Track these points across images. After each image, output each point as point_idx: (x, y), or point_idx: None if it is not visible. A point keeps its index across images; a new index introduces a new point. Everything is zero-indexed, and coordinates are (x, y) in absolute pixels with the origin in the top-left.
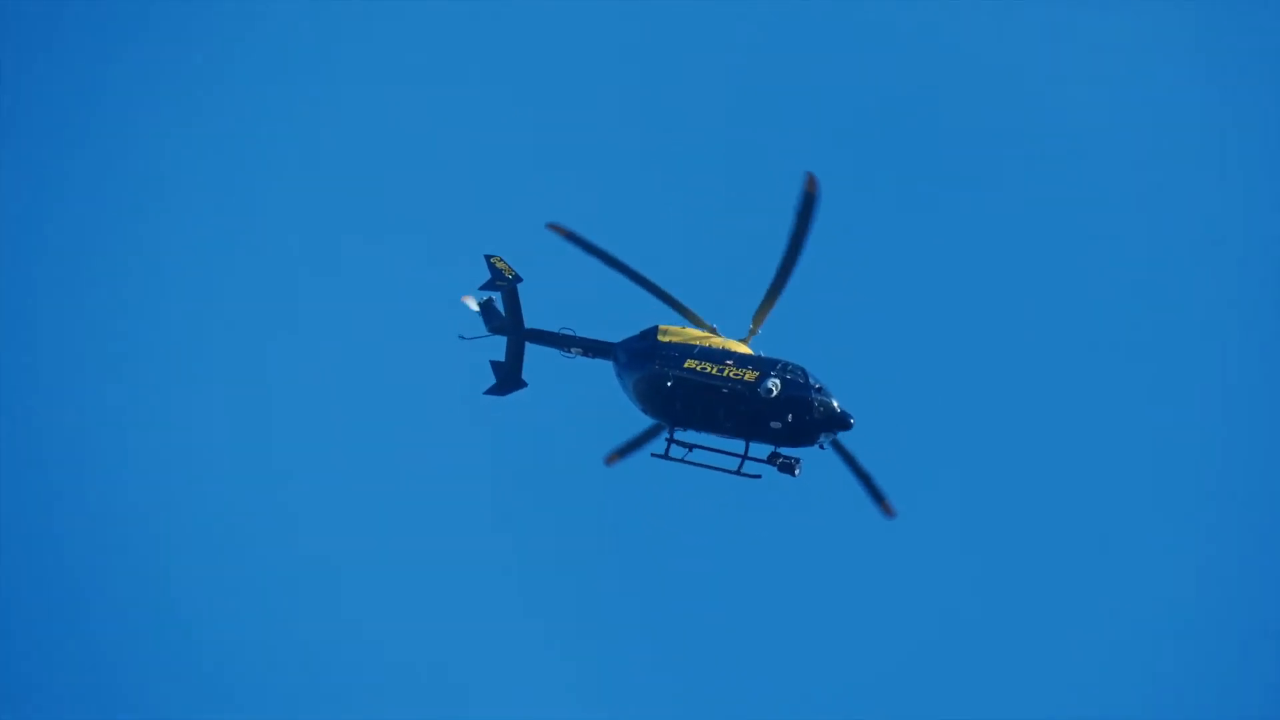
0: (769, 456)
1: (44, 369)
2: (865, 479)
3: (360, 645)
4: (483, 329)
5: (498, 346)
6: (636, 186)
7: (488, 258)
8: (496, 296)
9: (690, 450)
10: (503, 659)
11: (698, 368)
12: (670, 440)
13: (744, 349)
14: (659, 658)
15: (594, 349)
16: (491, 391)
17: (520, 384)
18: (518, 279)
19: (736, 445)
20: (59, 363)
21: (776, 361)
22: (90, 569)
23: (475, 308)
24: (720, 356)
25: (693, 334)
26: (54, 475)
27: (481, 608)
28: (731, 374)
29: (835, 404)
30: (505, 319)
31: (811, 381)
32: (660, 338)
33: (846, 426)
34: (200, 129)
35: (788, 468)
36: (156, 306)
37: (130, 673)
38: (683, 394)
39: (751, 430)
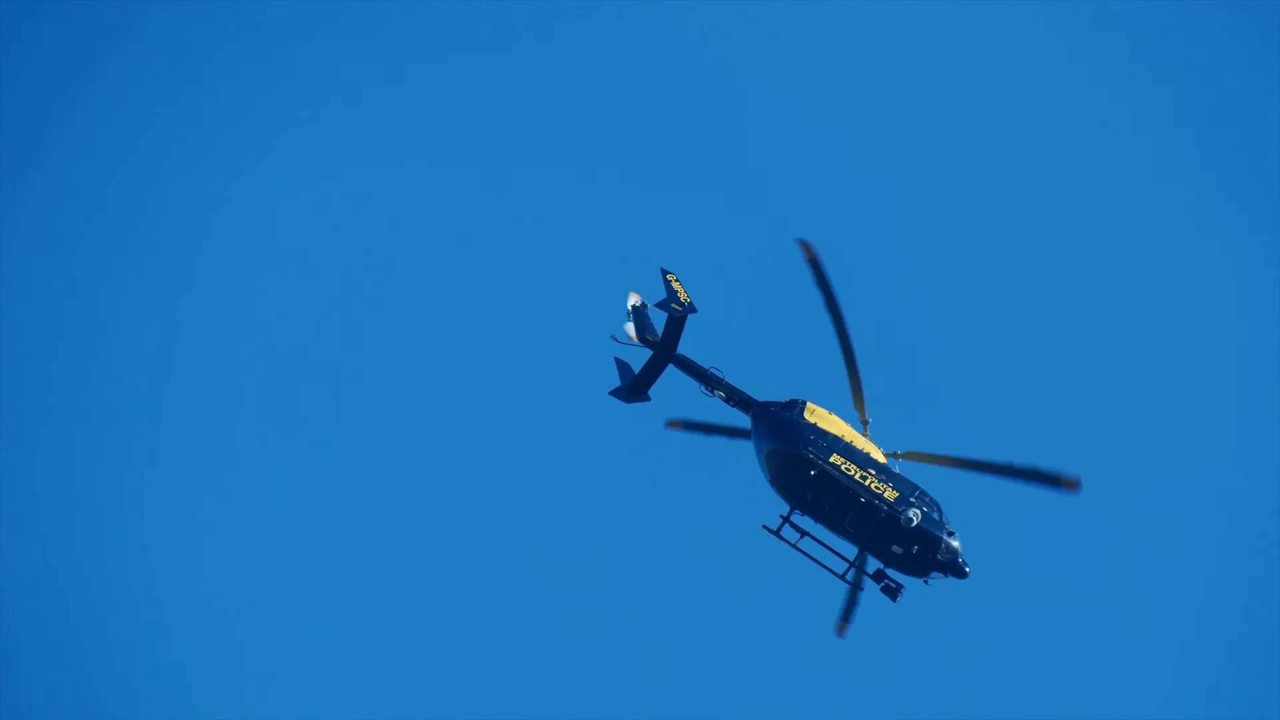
0: (875, 573)
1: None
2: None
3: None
4: (629, 331)
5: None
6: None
7: (664, 272)
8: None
9: (802, 537)
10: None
11: (843, 466)
12: (785, 519)
13: (879, 454)
14: None
15: (736, 399)
16: (616, 394)
17: (645, 398)
18: (692, 309)
19: (843, 545)
20: (59, 361)
21: (916, 487)
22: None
23: (630, 305)
24: (865, 462)
25: (834, 421)
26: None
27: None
28: (874, 485)
29: (959, 551)
30: (660, 337)
31: (945, 521)
32: (807, 416)
33: (961, 576)
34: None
35: (891, 592)
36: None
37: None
38: (820, 486)
39: (870, 543)
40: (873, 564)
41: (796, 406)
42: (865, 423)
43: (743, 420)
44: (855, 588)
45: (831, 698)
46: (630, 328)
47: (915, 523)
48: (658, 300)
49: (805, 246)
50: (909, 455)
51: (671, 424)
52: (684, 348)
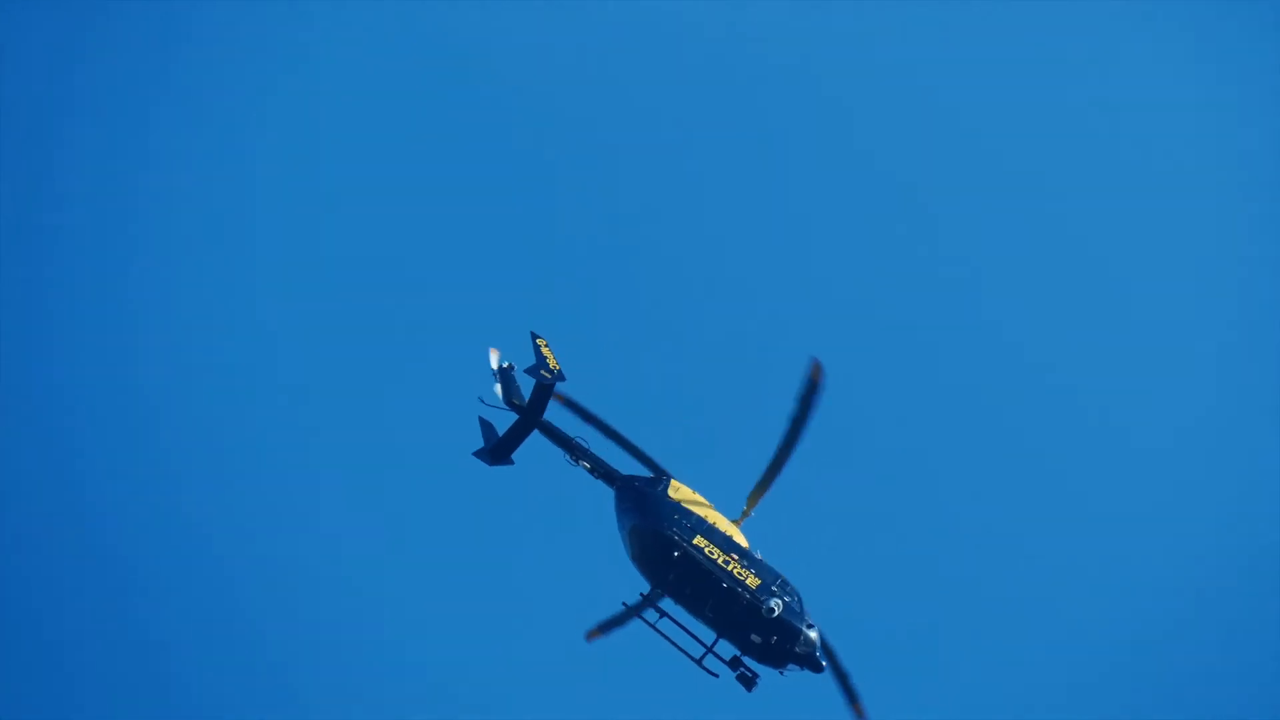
0: (731, 660)
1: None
2: (843, 679)
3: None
4: (497, 392)
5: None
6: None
7: (534, 336)
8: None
9: (661, 618)
10: None
11: (706, 550)
12: (645, 598)
13: (741, 538)
14: None
15: (600, 471)
16: (480, 455)
17: (509, 462)
18: (561, 377)
19: (702, 630)
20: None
21: (777, 576)
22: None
23: (496, 365)
24: (726, 545)
25: (698, 501)
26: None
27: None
28: (736, 571)
29: (817, 645)
30: (525, 402)
31: (805, 613)
32: (671, 494)
33: (818, 670)
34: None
35: (747, 681)
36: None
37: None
38: (682, 568)
39: (729, 630)
40: (728, 650)
41: (661, 482)
42: (745, 514)
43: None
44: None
45: None
46: (497, 389)
47: (777, 613)
48: (526, 366)
49: (816, 368)
50: (748, 505)
51: (591, 635)
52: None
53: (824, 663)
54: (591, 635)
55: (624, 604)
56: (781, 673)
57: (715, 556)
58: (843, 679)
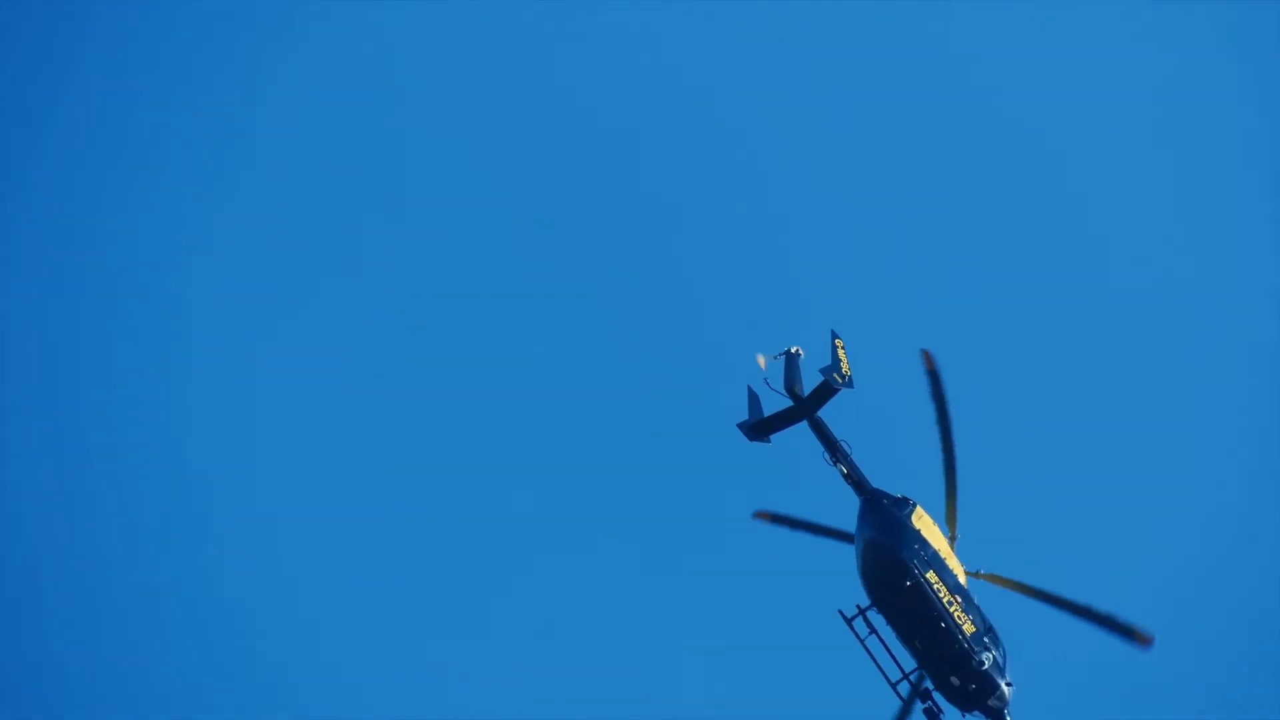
0: (922, 693)
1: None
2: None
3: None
4: (779, 378)
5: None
6: None
7: (834, 335)
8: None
9: (870, 634)
10: None
11: (935, 585)
12: (862, 612)
13: (963, 576)
14: None
15: (855, 478)
16: (742, 426)
17: (766, 440)
18: (850, 385)
19: (903, 654)
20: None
21: (990, 625)
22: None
23: (793, 350)
24: (954, 587)
25: (937, 536)
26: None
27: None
28: (958, 614)
29: (1008, 702)
30: (806, 395)
31: (1006, 668)
32: (914, 521)
33: None
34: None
35: (932, 715)
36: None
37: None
38: (909, 597)
39: (931, 665)
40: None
41: (908, 507)
42: (954, 538)
43: (830, 520)
44: (908, 702)
45: None
46: (782, 365)
47: (985, 666)
48: (822, 365)
49: (927, 357)
50: (989, 577)
51: (759, 515)
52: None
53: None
54: (761, 515)
55: (840, 611)
56: (964, 715)
57: (942, 595)
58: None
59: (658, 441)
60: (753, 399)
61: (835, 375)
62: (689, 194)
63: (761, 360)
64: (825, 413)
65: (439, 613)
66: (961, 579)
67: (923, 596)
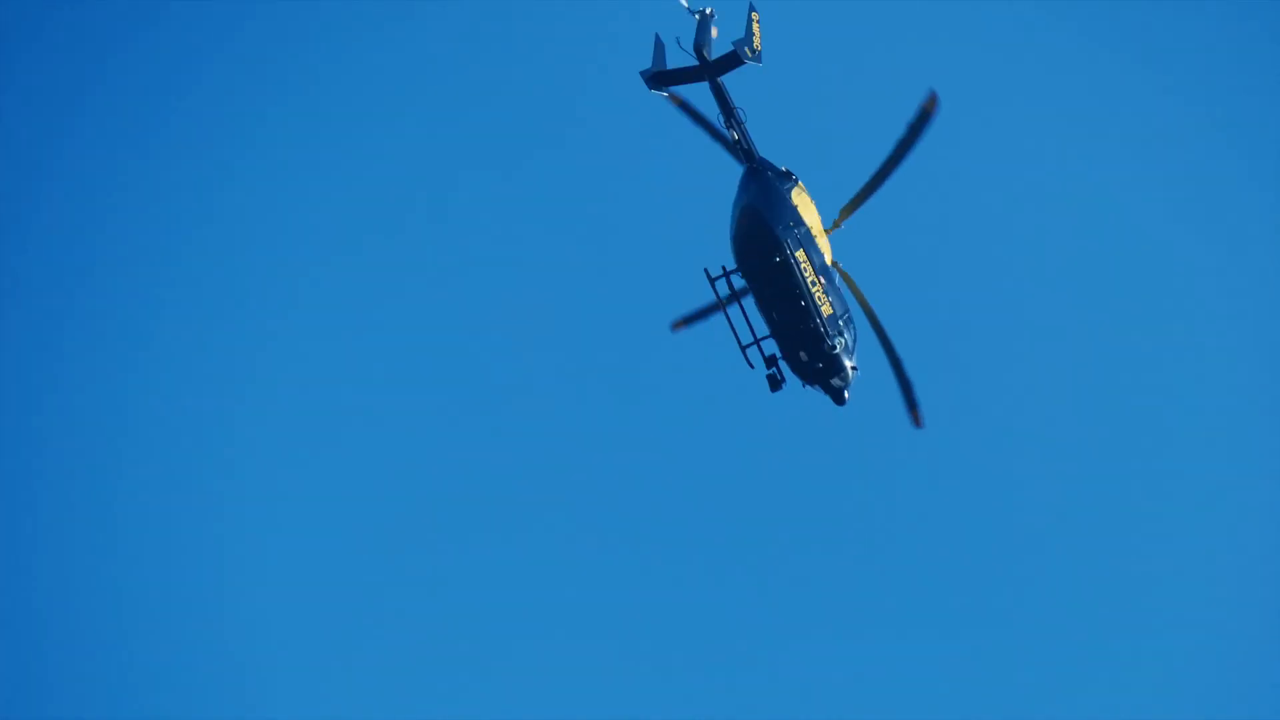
0: (769, 359)
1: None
2: (905, 384)
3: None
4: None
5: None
6: None
7: (751, 8)
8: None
9: (731, 299)
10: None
11: (802, 263)
12: (726, 274)
13: (829, 253)
14: None
15: (744, 146)
16: (645, 74)
17: (664, 91)
18: (758, 60)
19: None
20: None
21: (846, 309)
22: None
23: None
24: (819, 267)
25: (813, 214)
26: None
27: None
28: (819, 295)
29: (850, 384)
30: (714, 61)
31: (854, 354)
32: (794, 196)
33: (838, 403)
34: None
35: (774, 383)
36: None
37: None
38: (775, 272)
39: (782, 335)
40: (770, 347)
41: (790, 181)
42: (837, 224)
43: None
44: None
45: None
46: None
47: (837, 350)
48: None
49: (931, 99)
50: (841, 215)
51: (677, 325)
52: None
53: (847, 400)
54: (677, 326)
55: (705, 270)
56: (804, 385)
57: (807, 274)
58: (906, 387)
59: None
60: (658, 47)
61: (747, 49)
62: None
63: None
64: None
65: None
66: (828, 260)
67: (788, 272)
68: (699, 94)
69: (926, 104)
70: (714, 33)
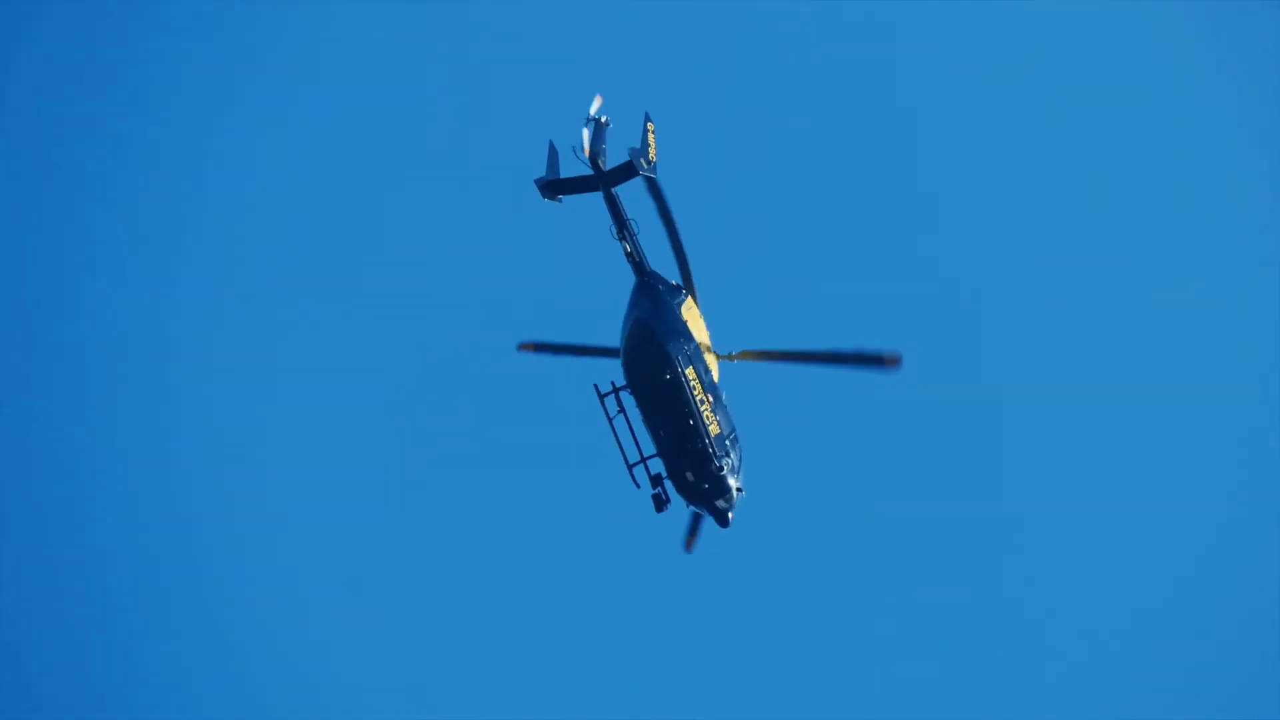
0: (655, 478)
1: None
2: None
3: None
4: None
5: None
6: None
7: (647, 119)
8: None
9: (619, 413)
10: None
11: (691, 381)
12: (615, 390)
13: (717, 374)
14: None
15: (636, 258)
16: (539, 182)
17: (557, 200)
18: (653, 173)
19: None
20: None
21: (733, 429)
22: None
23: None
24: (708, 385)
25: (701, 328)
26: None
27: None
28: (707, 414)
29: (735, 506)
30: (609, 170)
31: (740, 477)
32: (684, 311)
33: (721, 525)
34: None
35: (659, 503)
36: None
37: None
38: (665, 389)
39: (669, 453)
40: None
41: (680, 295)
42: (732, 358)
43: (592, 338)
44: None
45: None
46: (586, 135)
47: (723, 471)
48: (631, 146)
49: (895, 358)
50: (742, 355)
51: (523, 347)
52: None
53: (730, 521)
54: (525, 347)
55: (594, 385)
56: (687, 506)
57: (696, 392)
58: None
59: None
60: (552, 155)
61: (643, 160)
62: None
63: (598, 101)
64: (620, 190)
65: None
66: (716, 376)
67: (677, 390)
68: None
69: (889, 358)
70: (606, 138)
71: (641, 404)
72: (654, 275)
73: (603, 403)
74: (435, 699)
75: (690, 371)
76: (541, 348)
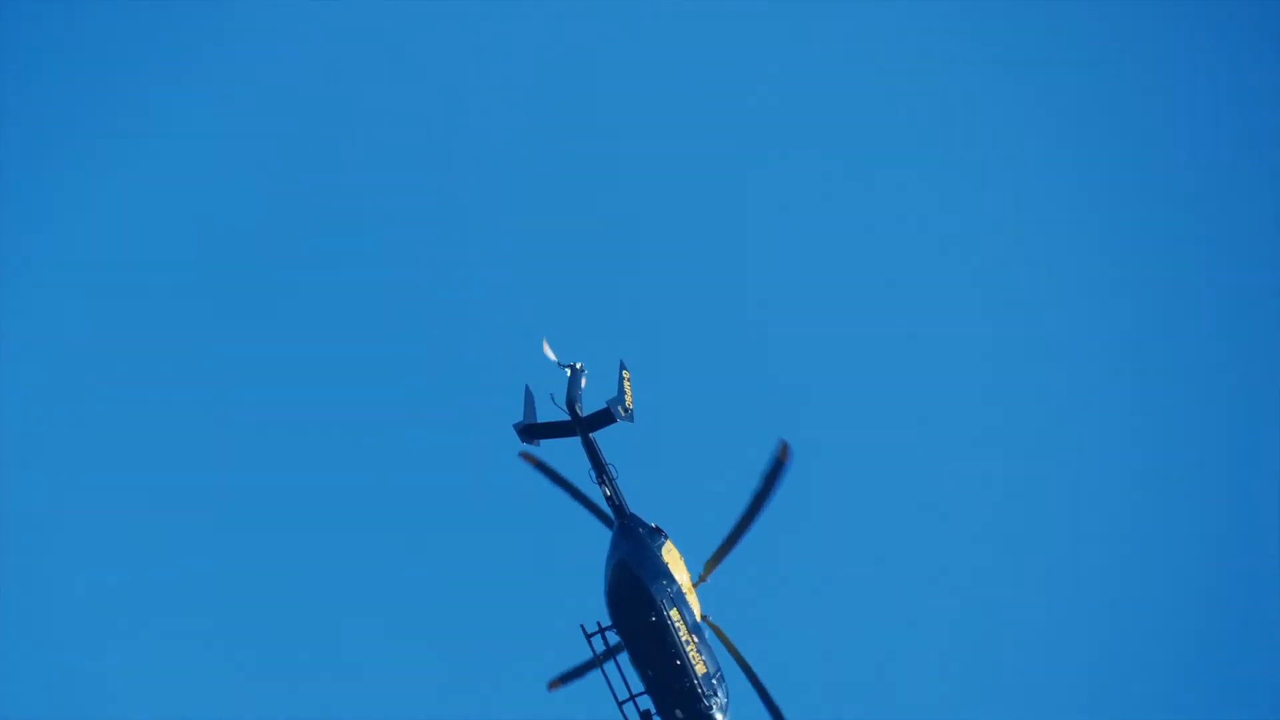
0: (644, 714)
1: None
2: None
3: None
4: (561, 389)
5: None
6: None
7: (621, 366)
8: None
9: (608, 656)
10: None
11: (676, 623)
12: (602, 630)
13: (698, 613)
14: None
15: (615, 502)
16: (518, 428)
17: (536, 444)
18: (630, 419)
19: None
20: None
21: (719, 667)
22: None
23: (556, 358)
24: (692, 626)
25: (681, 571)
26: None
27: None
28: (692, 654)
29: None
30: (586, 417)
31: (729, 715)
32: (665, 554)
33: None
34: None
35: None
36: None
37: None
38: (649, 633)
39: (657, 692)
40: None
41: (660, 539)
42: (703, 578)
43: (589, 489)
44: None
45: None
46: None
47: (712, 710)
48: (609, 397)
49: (784, 449)
50: (714, 626)
51: (525, 456)
52: None
53: None
54: (554, 685)
55: (581, 626)
56: None
57: (681, 633)
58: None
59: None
60: (528, 398)
61: (620, 408)
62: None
63: (547, 348)
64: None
65: None
66: (698, 616)
67: (663, 632)
68: (568, 449)
69: (780, 453)
70: (583, 383)
71: (628, 643)
72: (634, 518)
73: (590, 643)
74: None
75: (675, 613)
76: (542, 467)
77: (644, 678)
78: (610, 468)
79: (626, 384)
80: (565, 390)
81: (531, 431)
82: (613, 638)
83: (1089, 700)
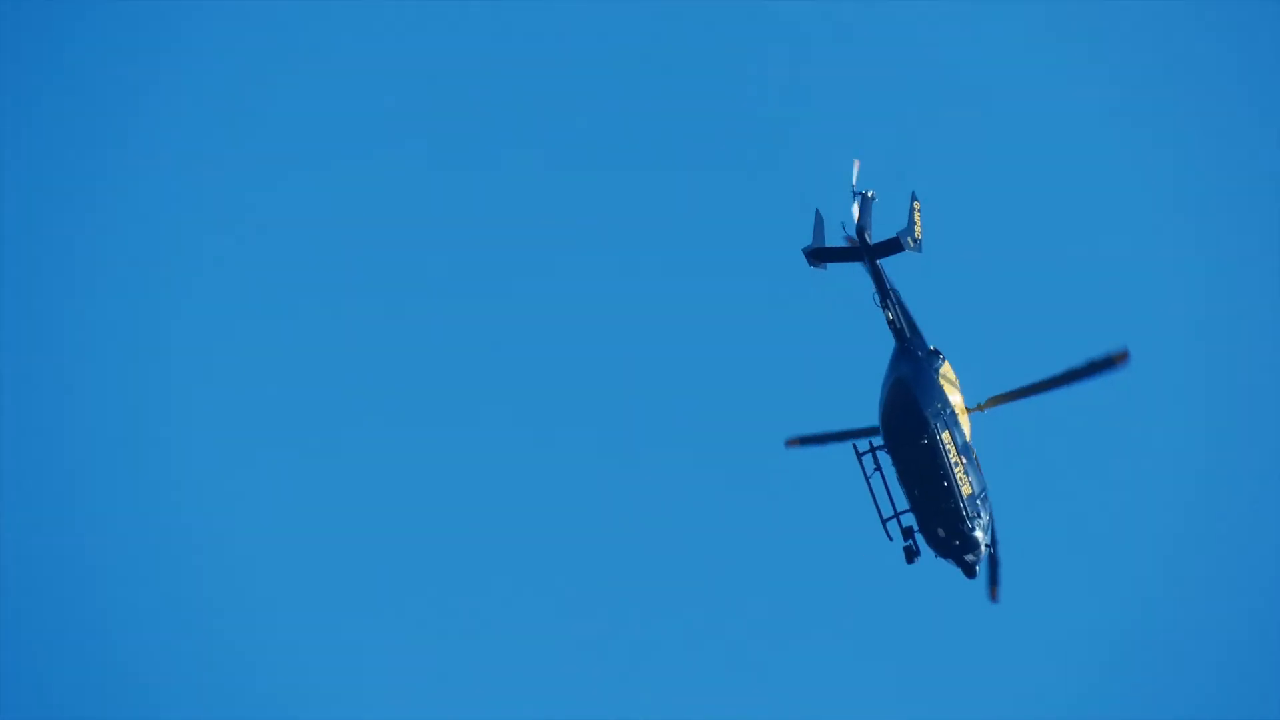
0: (906, 530)
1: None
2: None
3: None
4: (854, 212)
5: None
6: None
7: (913, 197)
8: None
9: (875, 471)
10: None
11: (946, 444)
12: (873, 449)
13: (969, 432)
14: None
15: (899, 324)
16: (806, 251)
17: (822, 267)
18: (918, 249)
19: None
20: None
21: (985, 486)
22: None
23: (857, 181)
24: (962, 448)
25: (957, 395)
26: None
27: None
28: (960, 475)
29: (982, 559)
30: (875, 245)
31: (990, 529)
32: (941, 376)
33: (969, 577)
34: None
35: (910, 554)
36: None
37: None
38: (920, 450)
39: (921, 510)
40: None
41: (938, 360)
42: (981, 408)
43: (856, 423)
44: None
45: None
46: (855, 209)
47: (974, 529)
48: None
49: (1123, 355)
50: (990, 402)
51: (791, 443)
52: None
53: (976, 575)
54: (792, 443)
55: (854, 444)
56: (936, 556)
57: (951, 455)
58: (993, 566)
59: None
60: (818, 224)
61: (909, 238)
62: None
63: (857, 168)
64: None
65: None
66: (968, 436)
67: (933, 453)
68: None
69: (1115, 355)
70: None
71: (897, 463)
72: (914, 341)
73: (860, 461)
74: None
75: (946, 435)
76: (807, 440)
77: (909, 496)
78: (895, 292)
79: (917, 215)
80: (856, 219)
81: (819, 254)
82: (883, 457)
83: None
